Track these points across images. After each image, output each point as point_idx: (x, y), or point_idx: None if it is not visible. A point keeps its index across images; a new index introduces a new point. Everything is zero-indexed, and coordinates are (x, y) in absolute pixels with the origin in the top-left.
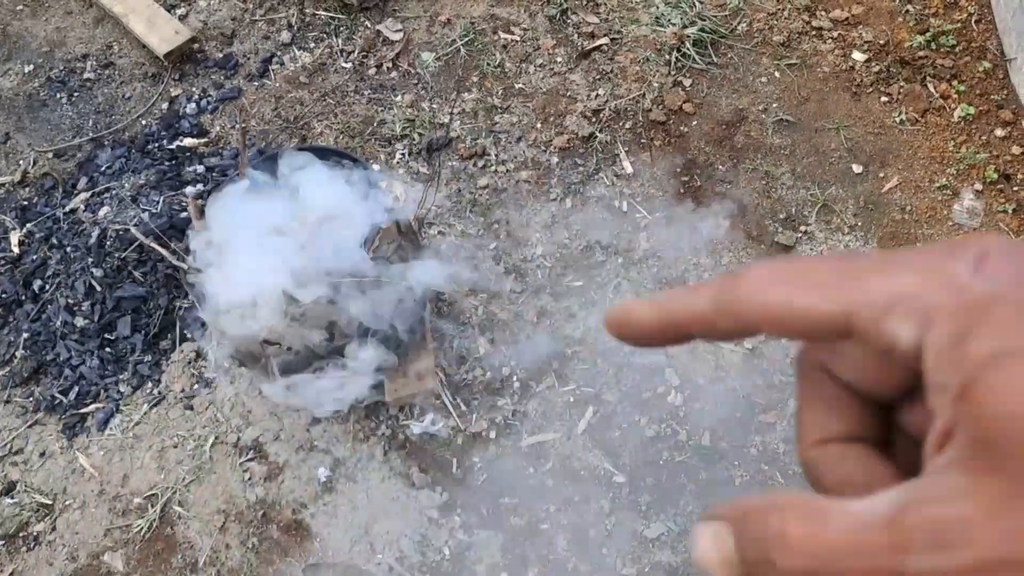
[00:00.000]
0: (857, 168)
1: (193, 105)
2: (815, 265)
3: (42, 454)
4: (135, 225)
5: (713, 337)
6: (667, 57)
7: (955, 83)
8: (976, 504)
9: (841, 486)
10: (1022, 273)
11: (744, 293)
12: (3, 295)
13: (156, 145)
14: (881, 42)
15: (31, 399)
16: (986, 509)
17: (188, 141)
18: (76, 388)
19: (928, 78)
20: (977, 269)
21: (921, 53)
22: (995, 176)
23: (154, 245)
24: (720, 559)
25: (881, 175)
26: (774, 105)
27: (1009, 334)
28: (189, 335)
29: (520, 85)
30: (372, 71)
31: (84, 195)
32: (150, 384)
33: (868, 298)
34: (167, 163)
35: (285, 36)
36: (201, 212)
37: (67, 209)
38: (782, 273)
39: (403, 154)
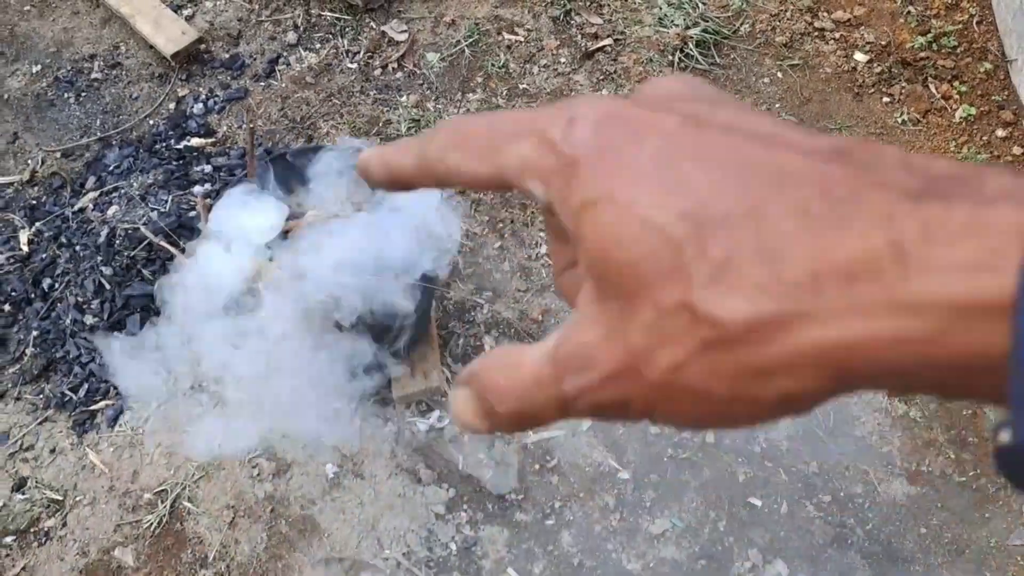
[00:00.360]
0: None
1: (200, 105)
2: (475, 130)
3: (52, 451)
4: (144, 224)
5: (427, 186)
6: (670, 58)
7: (956, 84)
8: (597, 331)
9: (556, 265)
10: (598, 136)
11: (433, 157)
12: (13, 293)
13: (164, 145)
14: (883, 43)
15: (41, 396)
16: (604, 334)
17: (195, 141)
18: (86, 385)
19: (929, 79)
20: (565, 135)
21: (923, 54)
22: None
23: (164, 244)
24: (471, 417)
25: None
26: (776, 105)
27: (587, 187)
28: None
29: (524, 86)
30: (377, 71)
31: (93, 194)
32: (160, 380)
33: (509, 163)
34: (175, 163)
35: (291, 37)
36: (210, 211)
37: (76, 208)
38: (455, 138)
39: None
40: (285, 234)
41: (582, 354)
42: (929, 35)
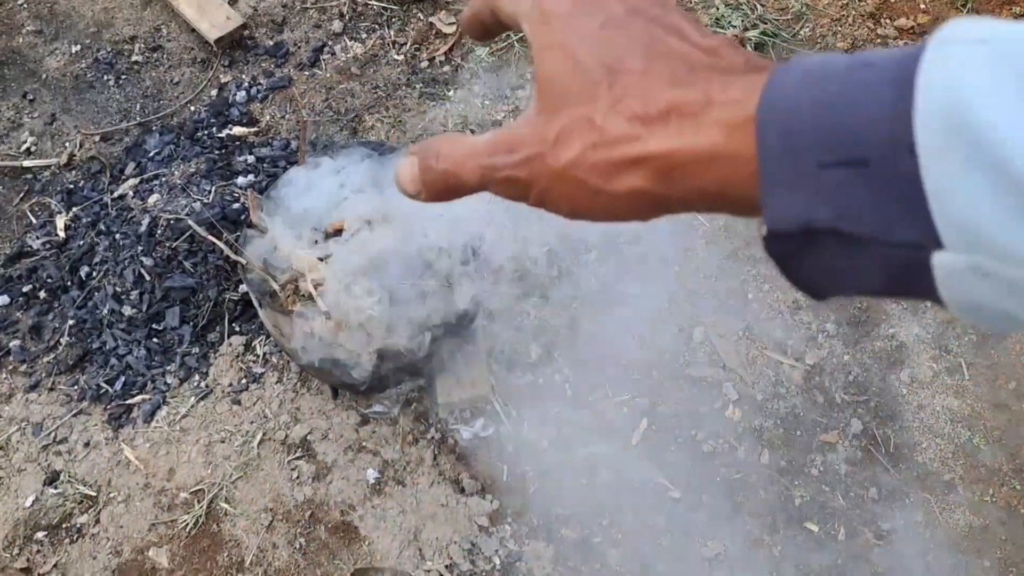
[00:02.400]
0: None
1: (243, 93)
2: None
3: (86, 444)
4: (188, 214)
5: (494, 26)
6: None
7: None
8: (528, 128)
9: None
10: (569, 4)
11: None
12: (48, 280)
13: (205, 133)
14: None
15: (76, 387)
16: (532, 131)
17: (238, 130)
18: (122, 378)
19: None
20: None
21: None
22: None
23: (211, 238)
24: (410, 178)
25: None
26: None
27: (551, 36)
28: (237, 328)
29: None
30: (424, 64)
31: (132, 181)
32: (197, 377)
33: (519, 10)
34: (217, 152)
35: (336, 25)
36: (261, 206)
37: (115, 195)
38: None
39: None
40: (338, 232)
41: (512, 140)
42: None
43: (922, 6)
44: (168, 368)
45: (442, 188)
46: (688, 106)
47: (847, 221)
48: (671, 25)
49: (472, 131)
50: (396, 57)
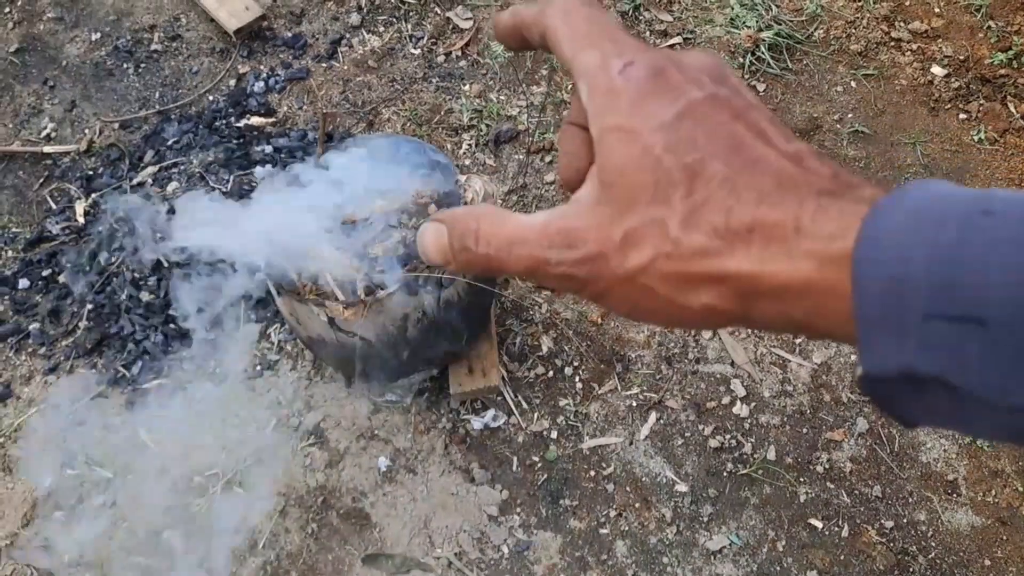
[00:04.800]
0: None
1: (261, 83)
2: (579, 24)
3: (104, 427)
4: None
5: (535, 44)
6: (741, 60)
7: None
8: (589, 221)
9: (563, 147)
10: (644, 82)
11: (546, 20)
12: (68, 265)
13: (223, 122)
14: (961, 57)
15: (94, 371)
16: (594, 225)
17: (255, 120)
18: (139, 362)
19: (1009, 97)
20: (622, 70)
21: (1002, 71)
22: None
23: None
24: (437, 248)
25: None
26: (849, 115)
27: (620, 116)
28: (253, 316)
29: None
30: (441, 58)
31: (151, 169)
32: (213, 363)
33: (581, 60)
34: (235, 141)
35: (355, 18)
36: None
37: (135, 182)
38: (566, 16)
39: (470, 145)
40: (353, 223)
41: (570, 233)
42: (1010, 52)
43: (936, 10)
44: (184, 354)
45: (480, 271)
46: (776, 228)
47: (956, 376)
48: (753, 123)
49: (488, 126)
50: (413, 51)
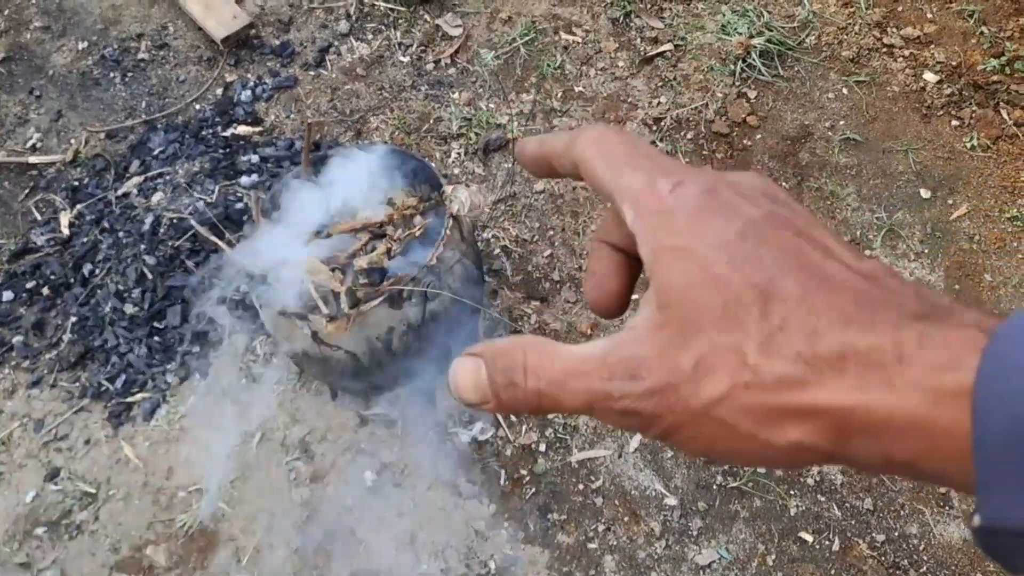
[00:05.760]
0: (925, 193)
1: (248, 92)
2: (615, 149)
3: (87, 441)
4: (191, 214)
5: (564, 173)
6: (732, 67)
7: None
8: (651, 349)
9: (593, 267)
10: (699, 200)
11: (578, 151)
12: (52, 277)
13: (210, 131)
14: (953, 63)
15: (77, 384)
16: (657, 353)
17: (242, 129)
18: (123, 376)
19: (1002, 104)
20: (672, 189)
21: (995, 77)
22: None
23: (213, 238)
24: (474, 385)
25: (950, 202)
26: (841, 123)
27: (677, 236)
28: (238, 328)
29: (580, 88)
30: (430, 66)
31: (137, 179)
32: (197, 376)
33: (624, 183)
34: (221, 151)
35: (343, 26)
36: (264, 212)
37: (119, 193)
38: (601, 144)
39: (459, 153)
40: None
41: (632, 363)
42: (1003, 58)
43: (929, 15)
44: (169, 367)
45: (530, 409)
46: (873, 355)
47: None
48: (819, 241)
49: (477, 135)
50: (402, 59)
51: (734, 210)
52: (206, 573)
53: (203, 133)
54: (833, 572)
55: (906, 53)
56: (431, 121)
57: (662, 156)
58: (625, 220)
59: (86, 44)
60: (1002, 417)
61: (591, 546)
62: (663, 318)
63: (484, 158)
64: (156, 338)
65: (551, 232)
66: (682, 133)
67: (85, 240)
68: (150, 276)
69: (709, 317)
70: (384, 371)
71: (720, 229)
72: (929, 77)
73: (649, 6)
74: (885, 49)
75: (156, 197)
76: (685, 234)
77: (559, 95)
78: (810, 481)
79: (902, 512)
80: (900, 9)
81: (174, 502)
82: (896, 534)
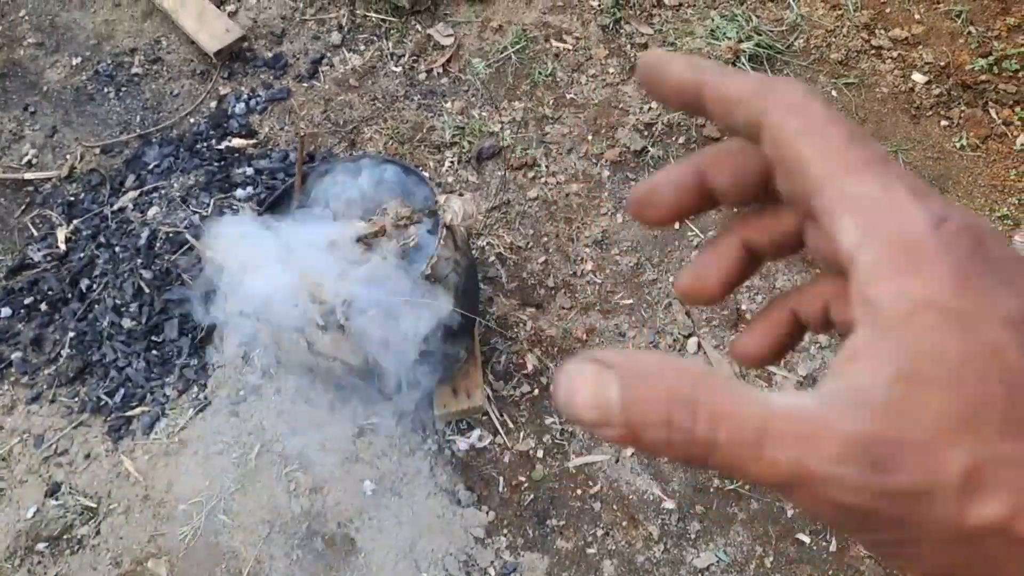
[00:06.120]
0: None
1: (242, 105)
2: (829, 130)
3: (87, 456)
4: (186, 227)
5: (721, 120)
6: None
7: (1018, 109)
8: (898, 431)
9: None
10: (972, 245)
11: (772, 116)
12: (50, 292)
13: (205, 145)
14: (942, 64)
15: (76, 399)
16: (915, 441)
17: (237, 142)
18: (122, 390)
19: (990, 103)
20: (937, 226)
21: (983, 77)
22: None
23: (209, 252)
24: (595, 401)
25: None
26: None
27: (944, 292)
28: (236, 340)
29: (572, 95)
30: (422, 76)
31: (132, 194)
32: (196, 389)
33: (848, 192)
34: (216, 164)
35: (335, 37)
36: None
37: (115, 207)
38: (805, 121)
39: (452, 162)
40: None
41: (877, 450)
42: (990, 57)
43: (916, 16)
44: (167, 380)
45: (686, 460)
46: None
47: None
48: None
49: (470, 143)
50: (394, 69)
51: (1011, 275)
52: None
53: (198, 146)
54: (831, 573)
55: (894, 54)
56: (424, 130)
57: (891, 159)
58: (832, 232)
59: (80, 59)
60: None
61: (590, 551)
62: (920, 397)
63: (477, 166)
64: (154, 352)
65: (545, 239)
66: (673, 138)
67: (82, 255)
68: (147, 290)
69: (989, 413)
70: (381, 380)
71: (1004, 299)
72: (918, 78)
73: (639, 12)
74: (873, 51)
75: (152, 211)
76: (955, 293)
77: (551, 102)
78: None
79: None
80: (888, 10)
81: (175, 515)
82: None
